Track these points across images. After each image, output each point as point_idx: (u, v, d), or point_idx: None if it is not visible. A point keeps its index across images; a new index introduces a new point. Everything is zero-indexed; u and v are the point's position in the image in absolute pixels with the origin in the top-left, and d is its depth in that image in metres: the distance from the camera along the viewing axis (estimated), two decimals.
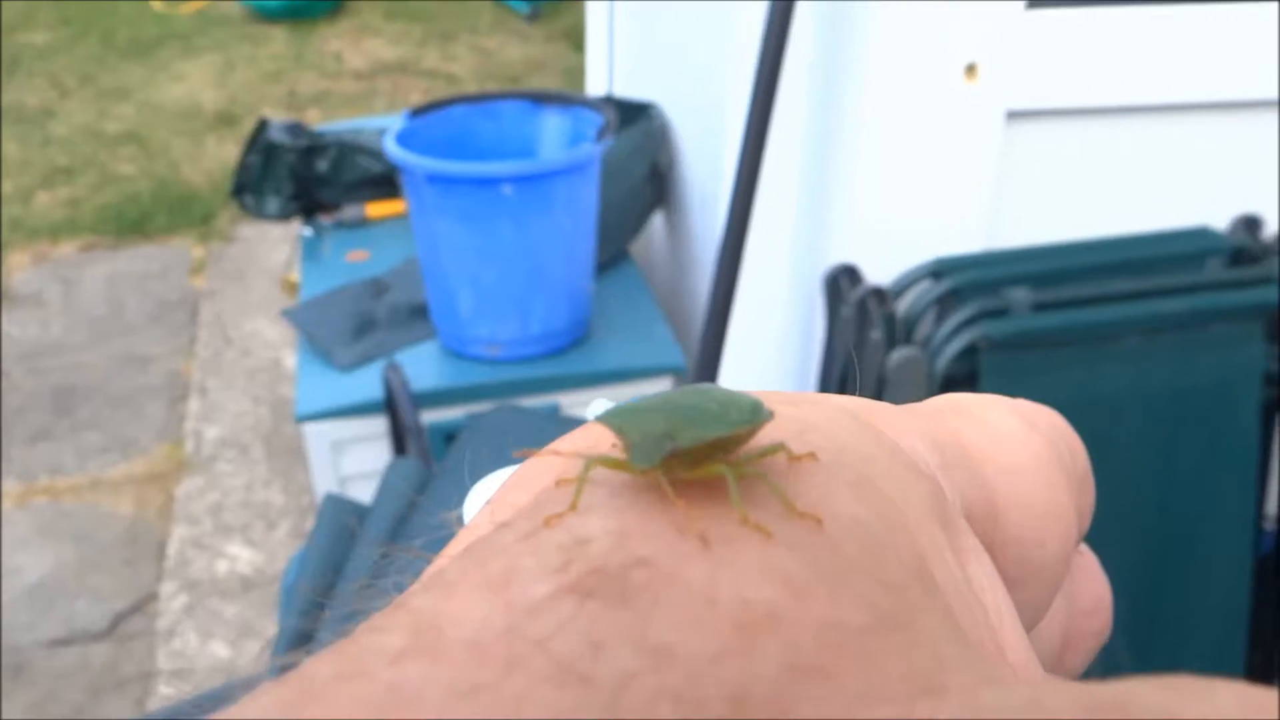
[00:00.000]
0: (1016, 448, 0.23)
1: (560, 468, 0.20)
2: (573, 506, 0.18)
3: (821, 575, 0.16)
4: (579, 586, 0.15)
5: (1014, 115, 1.32)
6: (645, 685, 0.14)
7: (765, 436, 0.20)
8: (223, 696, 0.14)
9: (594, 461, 0.19)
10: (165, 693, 1.77)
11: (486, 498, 0.20)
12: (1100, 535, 0.28)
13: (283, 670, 0.14)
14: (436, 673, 0.14)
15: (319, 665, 0.14)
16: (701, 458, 0.19)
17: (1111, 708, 0.13)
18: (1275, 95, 1.34)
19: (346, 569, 0.86)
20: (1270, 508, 1.41)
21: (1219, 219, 1.40)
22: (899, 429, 0.21)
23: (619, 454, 0.19)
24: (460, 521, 0.21)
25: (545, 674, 0.14)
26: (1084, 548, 0.26)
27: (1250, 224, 1.41)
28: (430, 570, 0.18)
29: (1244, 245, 1.35)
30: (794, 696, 0.14)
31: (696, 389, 0.21)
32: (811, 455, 0.19)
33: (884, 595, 0.16)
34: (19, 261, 3.17)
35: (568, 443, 0.21)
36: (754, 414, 0.20)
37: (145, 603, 1.98)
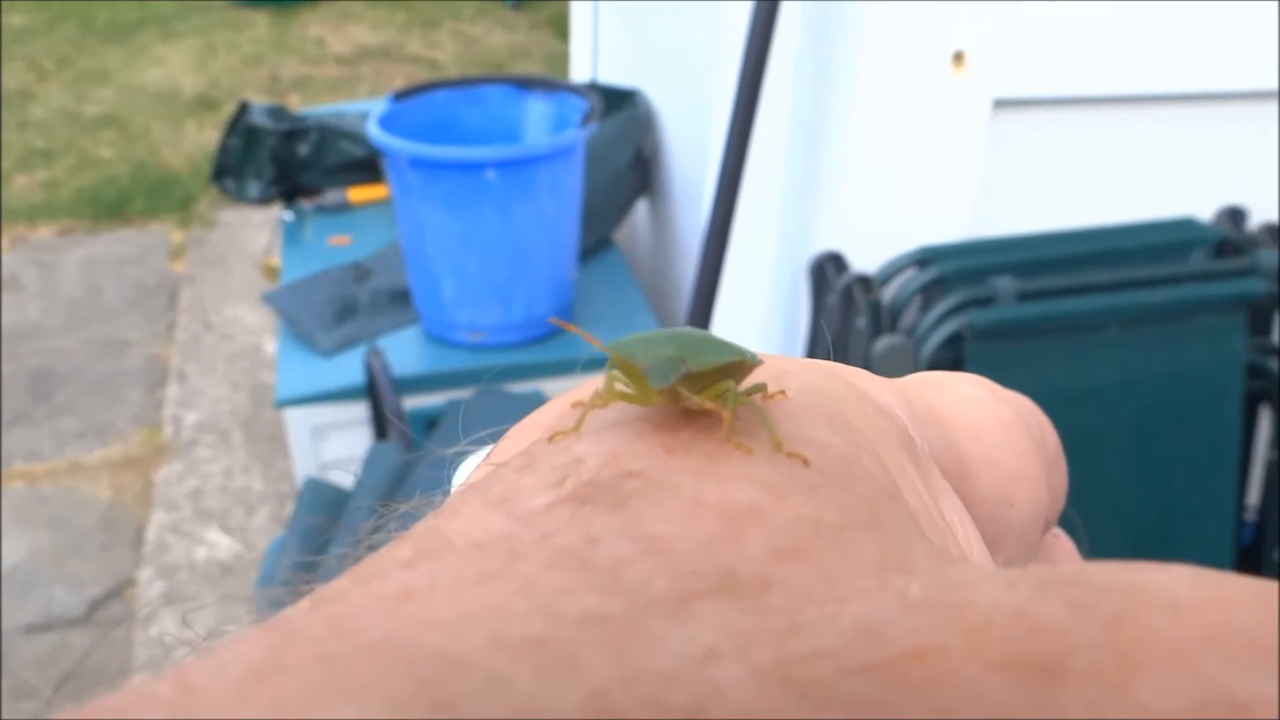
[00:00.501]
0: (983, 413, 0.23)
1: (550, 422, 0.21)
2: (576, 428, 0.19)
3: (799, 484, 0.17)
4: (575, 496, 0.16)
5: (1001, 104, 1.32)
6: (642, 566, 0.15)
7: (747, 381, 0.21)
8: None
9: (610, 379, 0.20)
10: (151, 657, 1.75)
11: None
12: (1075, 521, 0.28)
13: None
14: (447, 568, 0.15)
15: (337, 581, 0.15)
16: (705, 385, 0.20)
17: (1069, 582, 0.14)
18: (1263, 86, 1.34)
19: (328, 553, 0.85)
20: (1251, 499, 1.41)
21: (1204, 210, 1.41)
22: (871, 386, 0.22)
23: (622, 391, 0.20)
24: (411, 512, 0.21)
25: (548, 562, 0.15)
26: (1060, 532, 0.27)
27: (1235, 215, 1.41)
28: None
29: (1228, 236, 1.35)
30: (777, 574, 0.15)
31: (689, 329, 0.22)
32: (782, 393, 0.20)
33: (856, 502, 0.17)
34: None
35: (561, 400, 0.22)
36: (751, 353, 0.21)
37: (123, 589, 1.97)
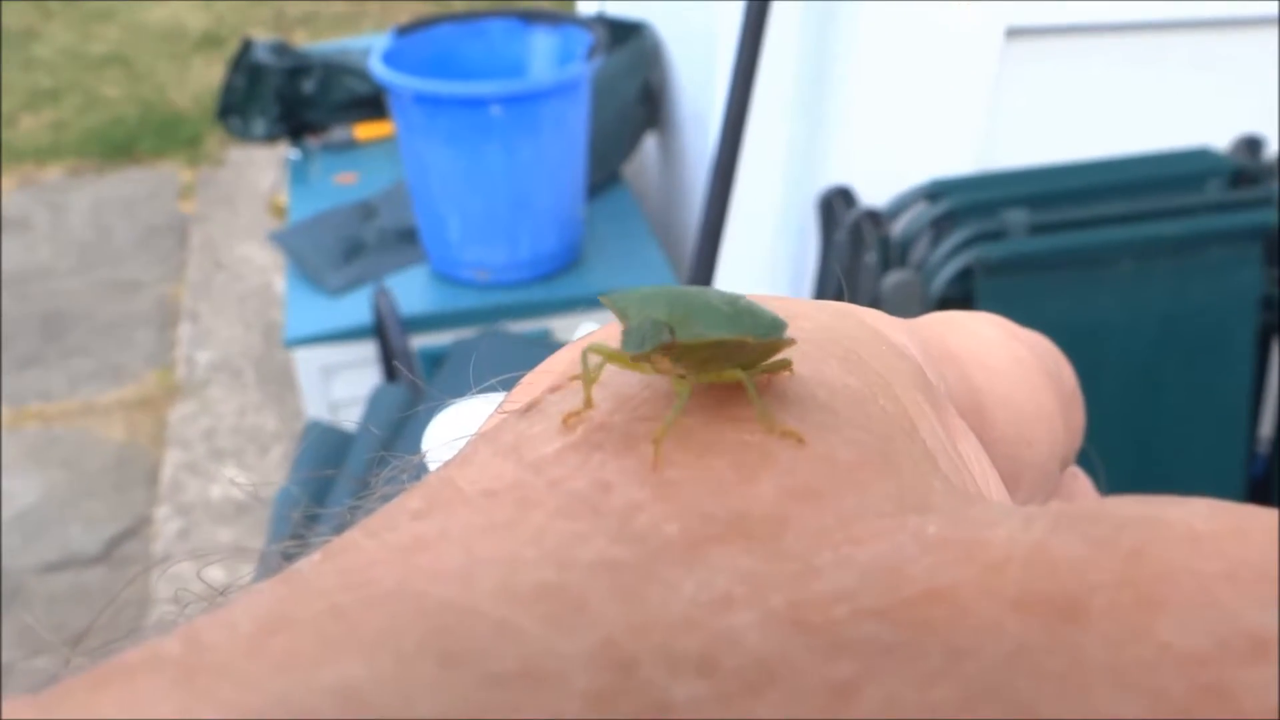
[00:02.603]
0: (999, 352, 0.23)
1: (563, 368, 0.20)
2: (585, 383, 0.18)
3: (813, 425, 0.17)
4: (585, 442, 0.16)
5: (1013, 32, 1.30)
6: (653, 511, 0.15)
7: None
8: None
9: (592, 349, 0.18)
10: (162, 615, 1.77)
11: (446, 430, 0.20)
12: (1093, 459, 0.28)
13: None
14: (458, 518, 0.15)
15: (348, 533, 0.15)
16: (704, 359, 0.18)
17: (1087, 518, 0.14)
18: (1278, 12, 1.31)
19: (330, 498, 0.85)
20: (1264, 431, 1.40)
21: (1221, 139, 1.38)
22: (885, 325, 0.22)
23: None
24: (423, 463, 0.20)
25: (558, 509, 0.15)
26: (1078, 470, 0.27)
27: (1251, 145, 1.39)
28: None
29: (1244, 166, 1.33)
30: (791, 515, 0.15)
31: (723, 292, 0.20)
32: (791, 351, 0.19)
33: (871, 441, 0.17)
34: (4, 185, 3.14)
35: (575, 346, 0.22)
36: (771, 328, 0.19)
37: (139, 527, 1.99)
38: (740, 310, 0.19)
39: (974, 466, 0.20)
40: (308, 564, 0.15)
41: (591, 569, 0.14)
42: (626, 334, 0.18)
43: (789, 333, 0.19)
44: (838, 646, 0.12)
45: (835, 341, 0.19)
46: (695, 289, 0.19)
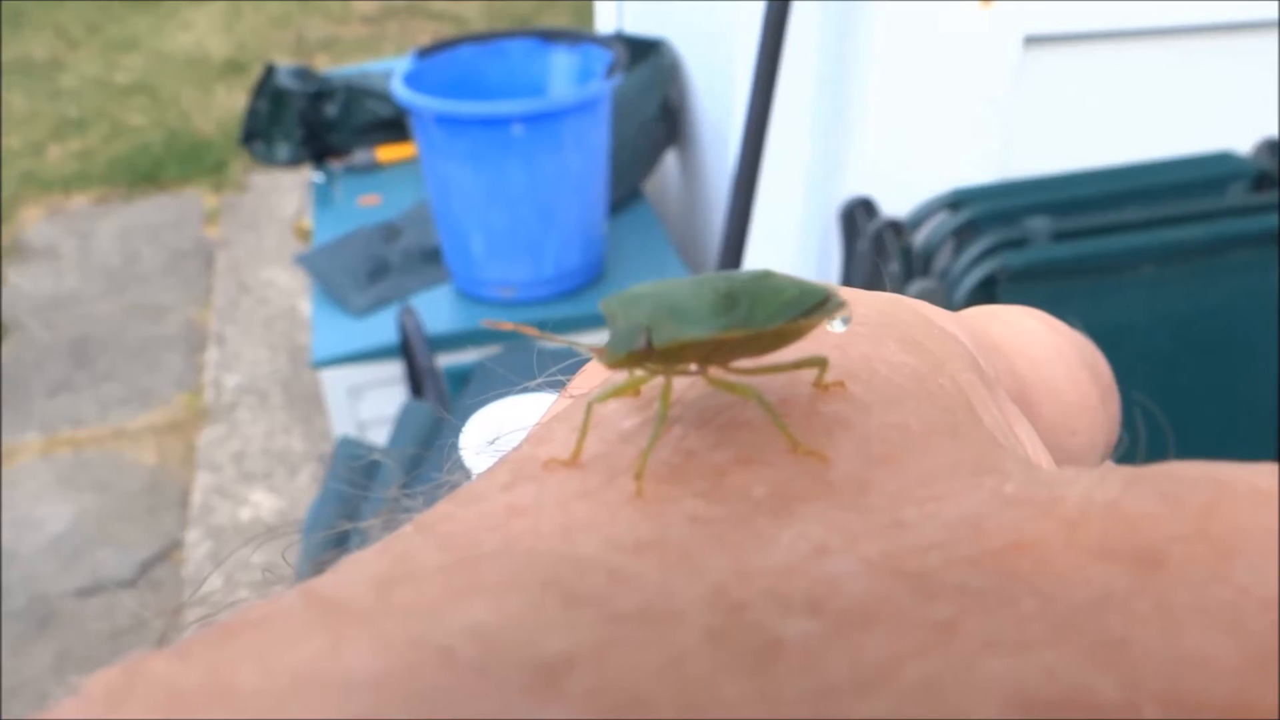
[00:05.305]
0: (1042, 344, 0.24)
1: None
2: (582, 430, 0.18)
3: (880, 397, 0.17)
4: (661, 417, 0.17)
5: (1031, 40, 1.30)
6: (740, 474, 0.15)
7: (817, 342, 0.18)
8: None
9: (598, 397, 0.18)
10: (252, 586, 1.77)
11: (482, 431, 0.21)
12: (1137, 426, 0.28)
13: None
14: (547, 489, 0.15)
15: (437, 506, 0.16)
16: (700, 357, 0.17)
17: (1158, 477, 0.14)
18: None
19: (362, 512, 0.86)
20: None
21: (1242, 143, 1.38)
22: (934, 314, 0.22)
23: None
24: (461, 463, 0.21)
25: (647, 475, 0.15)
26: (1112, 465, 0.27)
27: (1273, 148, 1.38)
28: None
29: (1267, 170, 1.33)
30: (872, 477, 0.15)
31: (742, 274, 0.18)
32: (840, 384, 0.18)
33: (937, 412, 0.17)
34: (32, 215, 3.17)
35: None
36: (776, 313, 0.17)
37: (170, 550, 2.00)
38: (739, 296, 0.17)
39: (1028, 447, 0.20)
40: (404, 534, 0.15)
41: (689, 524, 0.14)
42: (609, 342, 0.17)
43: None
44: (934, 591, 0.13)
45: (891, 325, 0.20)
46: (706, 277, 0.18)
